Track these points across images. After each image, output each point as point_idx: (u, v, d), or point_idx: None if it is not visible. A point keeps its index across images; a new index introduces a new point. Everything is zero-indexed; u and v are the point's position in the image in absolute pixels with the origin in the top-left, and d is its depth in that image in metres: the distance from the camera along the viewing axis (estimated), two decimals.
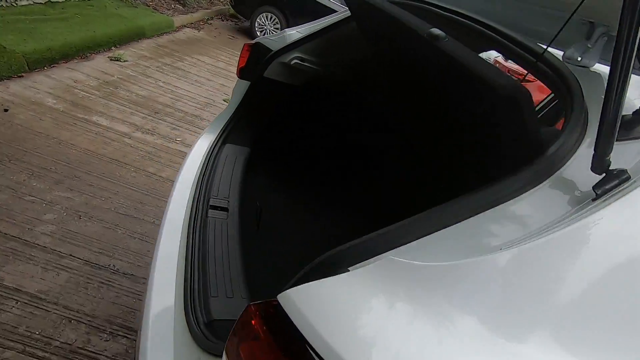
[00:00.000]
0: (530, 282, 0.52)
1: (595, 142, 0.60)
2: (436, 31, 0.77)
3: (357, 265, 0.60)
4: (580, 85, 0.69)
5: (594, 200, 0.62)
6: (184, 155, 1.89)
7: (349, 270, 0.59)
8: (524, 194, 0.64)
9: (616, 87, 0.53)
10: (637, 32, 0.48)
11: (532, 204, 0.64)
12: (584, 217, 0.55)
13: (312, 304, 0.54)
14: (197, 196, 1.49)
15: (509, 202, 0.64)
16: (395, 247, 0.64)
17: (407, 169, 2.27)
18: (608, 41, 0.77)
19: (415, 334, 0.50)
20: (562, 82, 0.70)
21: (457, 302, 0.52)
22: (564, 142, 0.65)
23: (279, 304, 0.56)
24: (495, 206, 0.64)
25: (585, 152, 0.65)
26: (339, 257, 0.64)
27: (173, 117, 4.08)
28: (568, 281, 0.53)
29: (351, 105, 2.29)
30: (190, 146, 1.94)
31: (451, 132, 1.15)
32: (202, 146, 1.88)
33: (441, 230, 0.65)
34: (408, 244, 0.63)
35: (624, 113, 0.70)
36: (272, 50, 1.88)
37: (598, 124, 0.56)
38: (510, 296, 0.52)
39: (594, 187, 0.61)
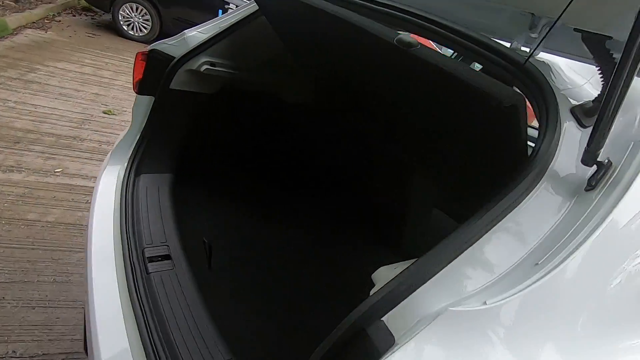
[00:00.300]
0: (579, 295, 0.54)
1: (590, 138, 0.63)
2: (407, 37, 0.71)
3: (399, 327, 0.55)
4: (547, 81, 0.73)
5: (587, 190, 0.66)
6: (71, 190, 1.52)
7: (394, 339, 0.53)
8: (526, 199, 0.65)
9: (618, 92, 0.55)
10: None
11: (536, 208, 0.65)
12: (598, 217, 0.58)
13: None
14: (127, 250, 1.22)
15: (514, 211, 0.64)
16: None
17: (366, 178, 2.25)
18: (551, 31, 0.82)
19: None
20: (530, 80, 0.73)
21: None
22: (551, 140, 0.68)
23: None
24: (505, 216, 0.64)
25: (566, 148, 0.69)
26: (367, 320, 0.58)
27: (42, 144, 3.32)
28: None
29: (282, 110, 2.14)
30: (77, 176, 1.57)
31: (425, 138, 1.15)
32: (109, 182, 1.55)
33: (460, 257, 0.62)
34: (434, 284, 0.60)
35: (585, 100, 0.77)
36: (174, 57, 1.61)
37: (595, 121, 0.59)
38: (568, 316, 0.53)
39: (589, 179, 0.65)
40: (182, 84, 1.65)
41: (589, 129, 0.72)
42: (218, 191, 2.05)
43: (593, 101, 0.73)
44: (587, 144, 0.63)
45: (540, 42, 0.71)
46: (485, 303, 0.55)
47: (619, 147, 0.67)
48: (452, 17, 0.95)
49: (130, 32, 6.67)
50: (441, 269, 0.62)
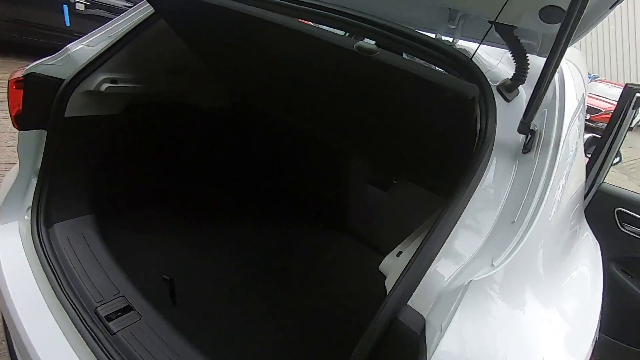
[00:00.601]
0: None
1: (525, 112, 0.78)
2: (367, 44, 0.75)
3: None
4: (477, 66, 0.86)
5: (524, 153, 0.82)
6: None
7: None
8: (487, 170, 0.78)
9: (550, 74, 0.69)
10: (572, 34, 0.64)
11: (495, 176, 0.79)
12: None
13: None
14: (74, 317, 1.04)
15: (483, 182, 0.77)
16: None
17: (305, 172, 2.22)
18: (467, 22, 0.95)
19: None
20: (467, 70, 0.85)
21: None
22: (494, 118, 0.81)
23: None
24: (475, 188, 0.76)
25: (499, 122, 0.84)
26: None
27: None
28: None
29: (202, 117, 1.97)
30: None
31: (372, 129, 1.20)
32: (10, 244, 1.28)
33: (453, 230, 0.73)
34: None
35: (504, 79, 0.93)
36: (61, 79, 1.35)
37: (531, 96, 0.73)
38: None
39: (525, 145, 0.81)
40: (80, 109, 1.40)
41: (511, 103, 0.88)
42: (152, 219, 1.83)
43: (511, 79, 0.89)
44: (523, 116, 0.78)
45: (481, 42, 0.83)
46: (492, 265, 0.66)
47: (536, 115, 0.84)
48: (376, 12, 1.03)
49: None
50: (442, 246, 0.71)
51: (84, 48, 1.42)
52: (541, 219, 0.70)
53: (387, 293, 0.70)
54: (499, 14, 0.81)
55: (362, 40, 0.78)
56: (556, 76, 0.91)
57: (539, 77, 0.71)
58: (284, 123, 1.81)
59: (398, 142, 1.13)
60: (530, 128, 0.79)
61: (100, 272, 1.23)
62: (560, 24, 0.67)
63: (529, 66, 0.86)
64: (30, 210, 1.38)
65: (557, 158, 0.77)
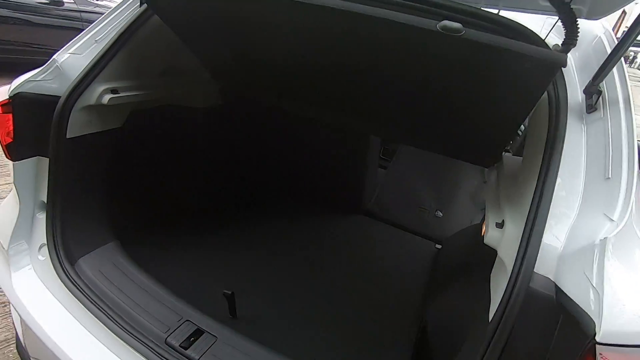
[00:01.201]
0: None
1: (595, 75, 0.82)
2: (453, 24, 0.73)
3: None
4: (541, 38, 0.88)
5: (589, 113, 0.87)
6: None
7: None
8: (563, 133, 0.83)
9: (631, 40, 0.73)
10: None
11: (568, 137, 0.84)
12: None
13: None
14: (148, 352, 0.95)
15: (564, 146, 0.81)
16: None
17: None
18: None
19: None
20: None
21: None
22: (564, 86, 0.85)
23: None
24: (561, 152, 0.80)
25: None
26: None
27: None
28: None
29: (213, 118, 1.87)
30: None
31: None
32: (32, 289, 1.14)
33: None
34: None
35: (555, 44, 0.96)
36: (56, 96, 1.17)
37: (605, 59, 0.77)
38: None
39: (588, 105, 0.86)
40: (81, 127, 1.24)
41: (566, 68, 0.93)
42: (177, 233, 1.72)
43: (562, 44, 0.93)
44: (593, 78, 0.83)
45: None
46: (612, 220, 0.70)
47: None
48: None
49: None
50: (549, 210, 0.75)
51: (73, 57, 1.25)
52: (634, 176, 0.76)
53: (513, 265, 0.72)
54: None
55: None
56: (608, 40, 0.97)
57: (618, 44, 0.75)
58: (293, 115, 1.74)
59: (447, 118, 1.15)
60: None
61: (150, 300, 1.13)
62: None
63: (579, 31, 0.90)
64: (43, 249, 1.22)
65: (632, 114, 0.83)
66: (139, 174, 1.58)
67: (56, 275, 1.15)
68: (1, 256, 1.20)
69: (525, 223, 0.75)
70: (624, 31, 0.93)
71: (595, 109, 0.87)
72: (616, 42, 0.78)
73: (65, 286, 1.11)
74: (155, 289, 1.18)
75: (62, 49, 1.26)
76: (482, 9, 0.98)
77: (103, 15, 1.34)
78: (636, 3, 0.90)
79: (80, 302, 1.08)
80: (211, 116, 1.86)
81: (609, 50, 0.93)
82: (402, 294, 1.69)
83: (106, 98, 1.25)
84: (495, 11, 0.99)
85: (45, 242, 1.22)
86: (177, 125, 1.72)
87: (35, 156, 1.21)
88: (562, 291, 0.67)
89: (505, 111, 0.97)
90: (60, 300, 1.11)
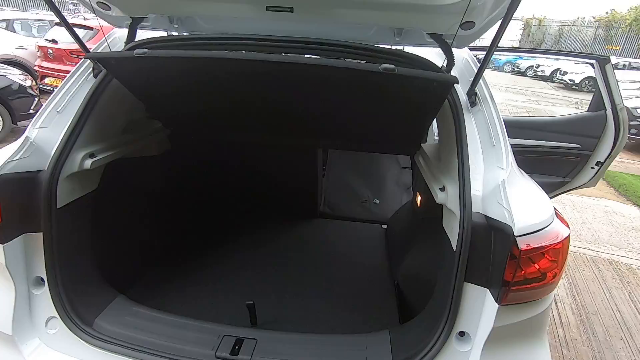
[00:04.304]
0: None
1: (472, 82, 1.29)
2: (389, 65, 1.09)
3: None
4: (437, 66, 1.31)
5: (472, 107, 1.35)
6: None
7: None
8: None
9: (487, 60, 1.19)
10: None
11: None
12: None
13: None
14: None
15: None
16: None
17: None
18: (408, 34, 1.39)
19: None
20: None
21: None
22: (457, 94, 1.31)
23: None
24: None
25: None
26: None
27: None
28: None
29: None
30: None
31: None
32: None
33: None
34: None
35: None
36: (36, 171, 1.21)
37: (476, 72, 1.24)
38: None
39: (471, 102, 1.33)
40: (67, 195, 1.28)
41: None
42: (173, 266, 1.87)
43: (447, 65, 1.39)
44: (471, 86, 1.30)
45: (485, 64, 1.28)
46: (502, 168, 1.15)
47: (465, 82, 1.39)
48: (339, 37, 1.38)
49: None
50: (470, 173, 1.18)
51: (41, 131, 1.29)
52: (507, 140, 1.24)
53: (459, 212, 1.12)
54: (429, 28, 1.30)
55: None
56: (470, 59, 1.48)
57: (482, 61, 1.22)
58: (250, 142, 2.00)
59: (378, 126, 1.54)
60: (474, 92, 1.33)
61: (181, 331, 1.24)
62: (471, 30, 1.20)
63: (454, 57, 1.38)
64: (51, 322, 1.22)
65: (496, 104, 1.33)
66: (118, 226, 1.62)
67: (78, 341, 1.17)
68: (8, 344, 1.17)
69: (459, 185, 1.16)
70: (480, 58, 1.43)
71: (476, 104, 1.35)
72: (478, 62, 1.26)
73: (95, 346, 1.16)
74: (180, 320, 1.29)
75: (29, 125, 1.29)
76: (393, 47, 1.41)
77: (59, 87, 1.40)
78: (481, 39, 1.43)
79: (118, 353, 1.14)
80: (165, 160, 1.97)
81: (473, 67, 1.45)
82: (371, 267, 2.08)
83: (88, 163, 1.32)
84: (401, 47, 1.43)
85: (52, 315, 1.22)
86: (140, 175, 1.80)
87: (22, 234, 1.22)
88: (489, 217, 1.09)
89: (421, 114, 1.40)
90: None
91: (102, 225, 1.49)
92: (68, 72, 5.02)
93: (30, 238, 1.23)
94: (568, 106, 12.77)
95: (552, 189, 2.62)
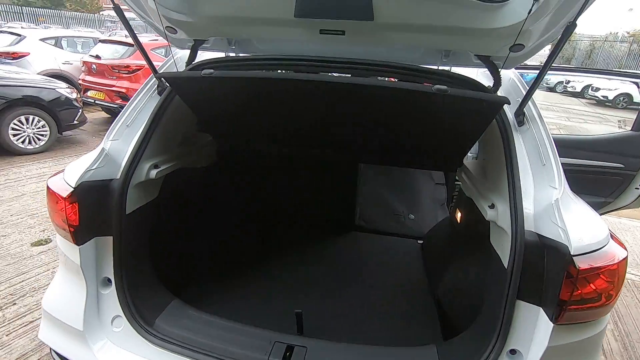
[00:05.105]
0: None
1: (521, 102, 1.32)
2: (442, 86, 1.14)
3: None
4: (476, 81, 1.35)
5: (520, 126, 1.37)
6: None
7: None
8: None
9: (539, 81, 1.22)
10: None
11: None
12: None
13: None
14: None
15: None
16: None
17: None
18: (456, 54, 1.44)
19: None
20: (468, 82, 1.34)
21: None
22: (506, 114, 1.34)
23: None
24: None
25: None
26: None
27: None
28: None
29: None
30: None
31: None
32: None
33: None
34: None
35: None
36: (108, 179, 1.32)
37: (525, 93, 1.27)
38: None
39: (518, 122, 1.36)
40: (134, 202, 1.39)
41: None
42: (222, 273, 1.97)
43: (493, 86, 1.42)
44: (520, 106, 1.33)
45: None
46: (555, 188, 1.16)
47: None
48: (389, 58, 1.44)
49: (21, 146, 5.43)
50: (521, 191, 1.20)
51: (114, 143, 1.41)
52: (558, 159, 1.26)
53: (511, 229, 1.14)
54: (479, 50, 1.34)
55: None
56: (517, 79, 1.51)
57: (532, 82, 1.25)
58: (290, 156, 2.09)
59: (426, 143, 1.58)
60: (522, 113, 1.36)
61: (235, 335, 1.30)
62: (520, 51, 1.24)
63: (501, 77, 1.41)
64: (116, 321, 1.31)
65: (545, 124, 1.35)
66: (171, 233, 1.72)
67: (141, 340, 1.25)
68: (78, 339, 1.26)
69: (510, 202, 1.18)
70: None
71: (524, 123, 1.37)
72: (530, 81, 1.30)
73: (157, 345, 1.23)
74: (232, 325, 1.35)
75: (104, 138, 1.41)
76: (441, 68, 1.46)
77: (127, 104, 1.53)
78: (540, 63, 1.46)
79: (177, 353, 1.21)
80: (212, 171, 2.08)
81: (520, 86, 1.48)
82: (410, 281, 2.09)
83: (153, 173, 1.43)
84: (447, 68, 1.48)
85: (118, 314, 1.31)
86: (190, 184, 1.91)
87: (95, 237, 1.32)
88: (542, 235, 1.11)
89: (468, 133, 1.43)
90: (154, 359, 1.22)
91: (158, 231, 1.59)
92: (109, 85, 5.48)
93: (101, 241, 1.34)
94: (601, 123, 12.34)
95: (594, 209, 2.55)
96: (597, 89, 16.30)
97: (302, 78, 1.21)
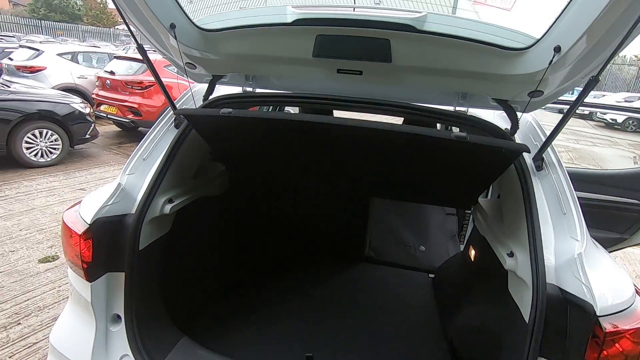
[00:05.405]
0: None
1: (541, 147, 1.30)
2: (460, 133, 1.14)
3: None
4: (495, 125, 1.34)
5: (538, 171, 1.35)
6: None
7: None
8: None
9: (559, 126, 1.21)
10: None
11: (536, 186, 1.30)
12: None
13: None
14: None
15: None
16: None
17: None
18: (474, 97, 1.44)
19: None
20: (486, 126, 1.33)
21: None
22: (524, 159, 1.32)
23: None
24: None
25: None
26: None
27: None
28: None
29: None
30: None
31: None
32: None
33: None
34: None
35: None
36: (123, 215, 1.32)
37: (545, 139, 1.26)
38: None
39: (536, 167, 1.34)
40: (147, 238, 1.38)
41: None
42: (227, 310, 1.92)
43: (510, 129, 1.42)
44: (539, 151, 1.31)
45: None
46: (577, 240, 1.14)
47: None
48: (404, 99, 1.45)
49: (34, 159, 5.51)
50: (542, 241, 1.17)
51: (130, 177, 1.42)
52: (579, 208, 1.23)
53: (532, 281, 1.10)
54: (496, 94, 1.34)
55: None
56: (534, 122, 1.50)
57: (553, 129, 1.24)
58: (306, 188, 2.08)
59: (442, 183, 1.56)
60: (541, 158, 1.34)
61: None
62: (536, 97, 1.24)
63: (518, 121, 1.40)
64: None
65: (565, 171, 1.32)
66: (180, 266, 1.71)
67: None
68: None
69: (530, 253, 1.15)
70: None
71: (542, 169, 1.36)
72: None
73: None
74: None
75: (121, 172, 1.42)
76: (457, 108, 1.46)
77: (144, 137, 1.54)
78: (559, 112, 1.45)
79: None
80: (224, 200, 2.07)
81: (538, 130, 1.46)
82: (421, 318, 2.04)
83: (167, 208, 1.42)
84: (464, 109, 1.48)
85: (126, 353, 1.29)
86: (201, 214, 1.90)
87: (106, 273, 1.32)
88: (566, 291, 1.07)
89: (485, 175, 1.42)
90: None
91: (168, 265, 1.58)
92: (122, 100, 5.60)
93: (113, 277, 1.33)
94: (610, 146, 12.25)
95: (608, 245, 2.50)
96: (606, 112, 16.26)
97: (318, 120, 1.22)
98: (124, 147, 7.15)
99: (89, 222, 1.24)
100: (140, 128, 7.15)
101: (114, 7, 1.26)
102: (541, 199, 1.28)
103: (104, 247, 1.28)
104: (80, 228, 1.24)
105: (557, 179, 1.31)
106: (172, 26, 1.30)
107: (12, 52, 9.02)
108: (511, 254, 1.29)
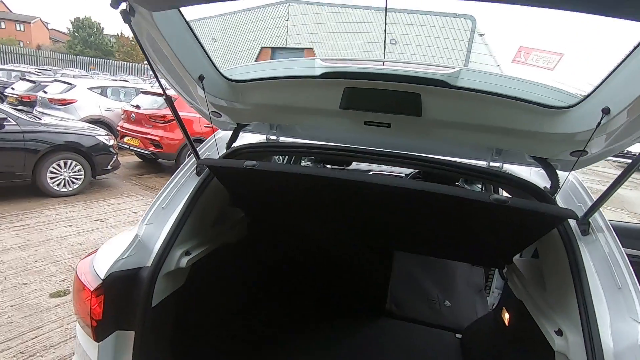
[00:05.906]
0: None
1: (588, 211, 1.20)
2: (500, 196, 1.06)
3: None
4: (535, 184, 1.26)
5: (584, 235, 1.24)
6: None
7: None
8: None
9: (613, 186, 1.11)
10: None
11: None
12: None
13: None
14: None
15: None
16: None
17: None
18: (509, 153, 1.37)
19: None
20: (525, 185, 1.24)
21: None
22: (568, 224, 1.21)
23: None
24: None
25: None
26: None
27: None
28: None
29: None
30: None
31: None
32: None
33: None
34: None
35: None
36: (137, 268, 1.26)
37: (593, 203, 1.15)
38: None
39: (582, 230, 1.22)
40: (161, 293, 1.31)
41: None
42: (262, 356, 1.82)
43: (550, 188, 1.32)
44: (585, 214, 1.21)
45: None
46: (637, 321, 1.01)
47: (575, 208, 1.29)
48: (436, 153, 1.38)
49: (56, 188, 5.63)
50: (596, 319, 1.04)
51: (147, 227, 1.37)
52: (636, 282, 1.10)
53: None
54: (536, 152, 1.26)
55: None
56: (576, 181, 1.40)
57: (603, 193, 1.13)
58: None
59: (465, 240, 1.46)
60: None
61: None
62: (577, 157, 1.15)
63: (559, 180, 1.31)
64: None
65: (615, 237, 1.21)
66: (193, 319, 1.61)
67: None
68: None
69: (583, 333, 1.02)
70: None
71: (589, 234, 1.24)
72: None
73: None
74: None
75: (139, 222, 1.37)
76: (491, 164, 1.38)
77: (165, 185, 1.50)
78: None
79: None
80: (242, 249, 2.00)
81: (580, 190, 1.36)
82: None
83: (184, 261, 1.36)
84: (498, 165, 1.39)
85: None
86: (217, 263, 1.82)
87: (115, 331, 1.23)
88: None
89: (524, 238, 1.31)
90: None
91: (180, 322, 1.49)
92: (144, 133, 5.75)
93: (122, 335, 1.24)
94: (635, 189, 11.76)
95: None
96: (630, 152, 15.81)
97: (345, 177, 1.16)
98: (143, 178, 7.27)
99: (102, 278, 1.18)
100: (160, 160, 7.29)
101: None
102: (590, 269, 1.16)
103: (116, 303, 1.21)
104: (93, 284, 1.17)
105: (607, 246, 1.19)
106: (201, 78, 1.30)
107: (47, 85, 9.55)
108: (560, 332, 1.15)
